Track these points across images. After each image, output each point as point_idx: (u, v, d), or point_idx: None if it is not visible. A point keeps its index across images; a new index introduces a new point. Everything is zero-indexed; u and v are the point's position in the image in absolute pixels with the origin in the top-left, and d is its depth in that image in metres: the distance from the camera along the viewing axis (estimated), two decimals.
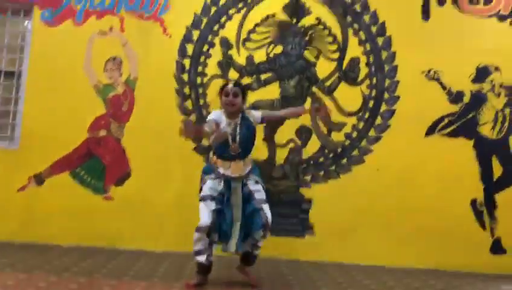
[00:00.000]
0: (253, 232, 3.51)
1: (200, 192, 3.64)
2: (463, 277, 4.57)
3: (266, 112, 3.91)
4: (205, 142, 4.86)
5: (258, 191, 3.58)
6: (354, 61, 5.02)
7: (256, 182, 3.63)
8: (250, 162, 3.68)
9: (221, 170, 3.57)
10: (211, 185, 3.54)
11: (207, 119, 3.57)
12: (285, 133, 5.01)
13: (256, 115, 3.75)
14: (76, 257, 4.35)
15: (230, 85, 3.66)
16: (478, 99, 5.01)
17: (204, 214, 3.47)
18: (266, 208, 3.54)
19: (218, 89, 3.80)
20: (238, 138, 3.56)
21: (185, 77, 5.01)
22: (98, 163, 4.98)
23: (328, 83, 5.04)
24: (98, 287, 3.41)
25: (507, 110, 5.00)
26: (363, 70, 5.04)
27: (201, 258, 3.52)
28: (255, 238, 3.54)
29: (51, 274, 3.67)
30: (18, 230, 4.85)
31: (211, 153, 3.68)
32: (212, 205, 3.49)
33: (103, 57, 5.02)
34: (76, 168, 4.96)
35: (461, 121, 5.00)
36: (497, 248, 4.92)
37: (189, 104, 5.01)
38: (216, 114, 3.63)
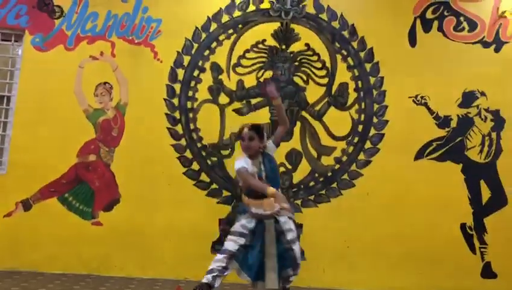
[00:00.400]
0: (283, 271, 3.61)
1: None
2: None
3: (272, 137, 3.93)
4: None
5: (289, 230, 3.65)
6: (343, 86, 5.09)
7: (289, 218, 3.70)
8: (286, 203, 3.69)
9: (253, 210, 3.65)
10: (243, 223, 3.66)
11: (240, 169, 3.62)
12: (276, 157, 5.00)
13: (270, 146, 3.84)
14: (62, 284, 4.26)
15: (245, 130, 3.76)
16: (465, 124, 5.08)
17: (230, 243, 3.61)
18: (296, 247, 3.64)
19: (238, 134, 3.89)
20: (264, 175, 3.69)
21: (176, 101, 5.03)
22: (86, 188, 4.93)
23: (317, 108, 5.08)
24: None
25: (494, 134, 5.08)
26: (352, 95, 5.10)
27: (208, 277, 3.55)
28: (282, 276, 3.63)
29: None
30: (3, 257, 4.74)
31: (243, 195, 3.78)
32: (241, 240, 3.61)
33: (94, 82, 5.03)
34: (65, 194, 4.91)
35: (449, 146, 5.06)
36: (487, 272, 4.92)
37: (179, 128, 5.01)
38: (243, 161, 3.69)
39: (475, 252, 4.95)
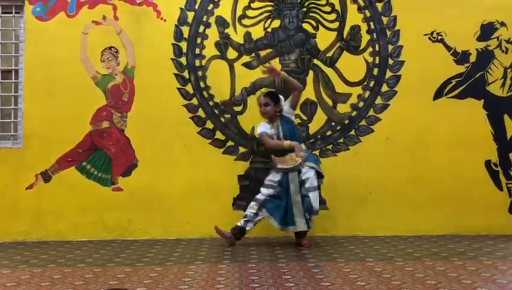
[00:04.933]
0: (305, 212, 4.21)
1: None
2: (483, 240, 4.48)
3: (288, 100, 4.42)
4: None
5: (309, 178, 4.21)
6: (355, 29, 4.90)
7: (311, 168, 4.25)
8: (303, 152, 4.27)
9: (279, 165, 4.31)
10: (270, 177, 4.36)
11: (260, 134, 4.34)
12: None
13: (287, 109, 4.36)
14: (89, 250, 4.32)
15: (261, 97, 4.36)
16: (485, 58, 4.87)
17: (260, 194, 4.32)
18: (313, 195, 4.19)
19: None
20: (282, 135, 4.29)
21: (183, 60, 4.92)
22: (103, 155, 4.92)
23: (329, 54, 4.92)
24: (113, 274, 3.37)
25: None
26: (365, 38, 4.92)
27: (241, 221, 4.29)
28: (305, 217, 4.22)
29: (64, 267, 3.63)
30: (29, 229, 4.81)
31: (271, 154, 4.42)
32: (269, 191, 4.29)
33: (99, 47, 4.93)
34: (83, 162, 4.91)
35: (469, 82, 4.87)
36: None
37: (189, 88, 4.92)
38: (263, 126, 4.35)
39: (502, 188, 4.84)
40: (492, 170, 4.83)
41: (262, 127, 4.34)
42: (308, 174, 4.23)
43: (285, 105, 4.36)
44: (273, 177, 4.34)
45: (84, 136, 4.91)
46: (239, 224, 4.29)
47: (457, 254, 3.88)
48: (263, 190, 4.32)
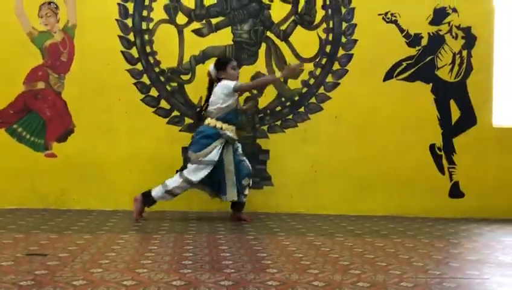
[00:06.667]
0: (241, 180, 4.05)
1: (197, 151, 3.99)
2: (423, 221, 4.52)
3: (238, 83, 4.11)
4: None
5: (239, 147, 4.18)
6: (310, 4, 4.78)
7: (238, 141, 4.20)
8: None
9: (228, 133, 4.02)
10: (216, 153, 3.97)
11: (237, 84, 4.08)
12: (240, 81, 4.74)
13: (227, 84, 4.06)
14: (14, 217, 4.00)
15: (233, 61, 4.24)
16: (436, 42, 4.88)
17: (200, 175, 3.95)
18: (247, 160, 4.16)
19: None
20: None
21: (129, 22, 4.63)
22: (36, 118, 4.58)
23: (283, 27, 4.78)
24: (35, 241, 3.11)
25: (464, 53, 4.91)
26: (320, 13, 4.80)
27: (160, 194, 4.01)
28: (243, 185, 4.06)
29: None
30: None
31: (213, 120, 4.06)
32: (209, 169, 3.96)
33: (37, 2, 4.56)
34: (13, 125, 4.55)
35: (419, 65, 4.88)
36: (455, 191, 4.90)
37: (134, 52, 4.64)
38: (229, 81, 4.10)
39: (444, 172, 4.90)
40: (436, 154, 4.88)
41: (230, 82, 4.06)
42: (238, 144, 4.20)
43: (230, 82, 4.07)
44: (217, 153, 3.97)
45: (16, 96, 4.55)
46: (155, 194, 3.99)
47: (396, 233, 3.88)
48: (197, 172, 3.93)
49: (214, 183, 4.05)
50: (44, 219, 3.99)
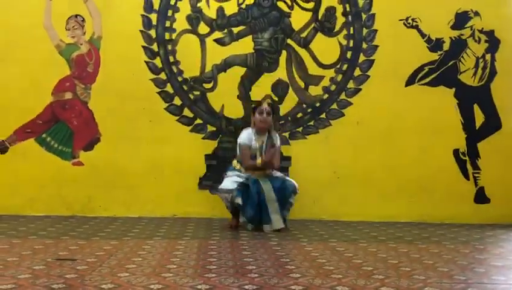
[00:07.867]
0: (288, 198, 4.04)
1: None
2: (447, 227, 4.46)
3: (242, 143, 4.16)
4: None
5: (277, 172, 4.17)
6: (330, 11, 4.82)
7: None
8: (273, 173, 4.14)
9: (246, 174, 4.07)
10: (236, 174, 4.09)
11: (241, 144, 4.11)
12: (261, 89, 4.80)
13: (277, 140, 4.22)
14: (44, 224, 4.12)
15: (266, 105, 4.16)
16: (458, 46, 4.85)
17: (228, 182, 4.06)
18: (289, 179, 4.14)
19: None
20: (264, 150, 4.10)
21: (153, 32, 4.74)
22: (64, 128, 4.72)
23: (303, 35, 4.83)
24: (65, 246, 3.19)
25: (488, 56, 4.87)
26: (340, 20, 4.83)
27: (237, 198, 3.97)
28: (290, 203, 4.06)
29: (14, 238, 3.44)
30: None
31: (235, 162, 4.20)
32: (237, 179, 4.03)
33: (64, 15, 4.71)
34: (42, 134, 4.70)
35: (441, 70, 4.85)
36: (481, 197, 4.83)
37: (158, 62, 4.75)
38: (247, 135, 4.13)
39: (468, 178, 4.84)
40: (460, 159, 4.83)
41: (246, 136, 4.12)
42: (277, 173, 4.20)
43: (278, 140, 4.23)
44: (238, 175, 4.08)
45: (45, 106, 4.70)
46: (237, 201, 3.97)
47: (421, 239, 3.85)
48: (229, 181, 4.04)
49: (255, 216, 3.97)
50: (72, 225, 4.09)
